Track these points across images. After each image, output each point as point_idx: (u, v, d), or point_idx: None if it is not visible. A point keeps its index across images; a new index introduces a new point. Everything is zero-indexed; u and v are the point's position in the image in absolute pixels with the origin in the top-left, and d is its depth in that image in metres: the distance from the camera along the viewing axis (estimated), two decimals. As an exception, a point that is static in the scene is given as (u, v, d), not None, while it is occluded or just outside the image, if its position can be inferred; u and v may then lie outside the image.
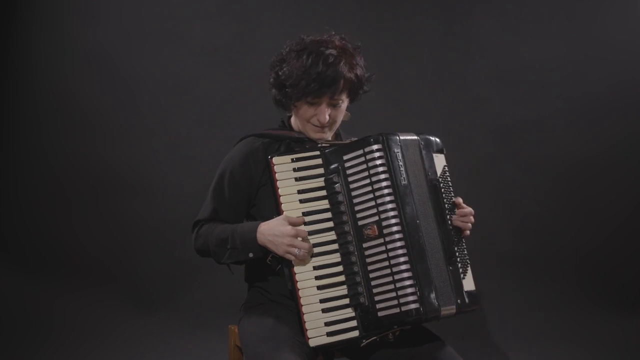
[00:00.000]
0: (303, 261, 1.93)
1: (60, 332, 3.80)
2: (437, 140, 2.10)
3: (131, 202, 4.25)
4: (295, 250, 1.90)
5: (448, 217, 2.03)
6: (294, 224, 1.92)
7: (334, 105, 2.06)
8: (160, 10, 4.29)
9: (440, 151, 2.10)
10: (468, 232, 2.08)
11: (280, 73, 2.06)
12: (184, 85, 4.28)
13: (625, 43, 4.33)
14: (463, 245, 2.07)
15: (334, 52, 2.01)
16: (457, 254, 2.01)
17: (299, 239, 1.91)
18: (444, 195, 2.04)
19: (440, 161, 2.08)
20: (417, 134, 2.04)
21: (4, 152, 4.29)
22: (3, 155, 4.29)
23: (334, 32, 2.11)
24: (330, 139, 2.15)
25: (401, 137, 1.97)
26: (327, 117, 2.05)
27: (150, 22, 4.29)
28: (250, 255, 1.98)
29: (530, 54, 4.33)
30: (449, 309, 1.92)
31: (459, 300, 1.95)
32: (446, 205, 2.04)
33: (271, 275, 2.09)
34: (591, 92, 4.32)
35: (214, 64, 4.28)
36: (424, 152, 2.03)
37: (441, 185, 2.04)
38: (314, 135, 2.10)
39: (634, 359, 3.69)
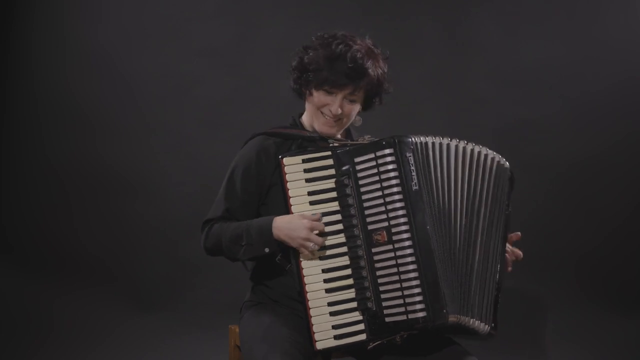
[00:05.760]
0: (314, 256, 1.92)
1: (60, 332, 3.79)
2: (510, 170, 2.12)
3: (131, 202, 4.25)
4: (311, 245, 1.89)
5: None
6: (310, 219, 1.92)
7: (350, 101, 2.07)
8: (160, 10, 4.29)
9: (513, 186, 2.12)
10: (510, 268, 2.14)
11: (305, 58, 2.07)
12: (184, 85, 4.28)
13: (625, 43, 4.33)
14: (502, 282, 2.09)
15: (362, 49, 2.04)
16: (498, 279, 2.04)
17: (315, 232, 1.91)
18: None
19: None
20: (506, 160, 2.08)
21: (4, 152, 4.29)
22: (3, 155, 4.28)
23: (367, 36, 2.13)
24: (339, 136, 2.14)
25: (415, 140, 1.94)
26: (339, 109, 2.05)
27: (150, 22, 4.28)
28: (267, 250, 1.97)
29: (530, 54, 4.33)
30: (455, 317, 1.91)
31: (492, 324, 2.00)
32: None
33: (276, 276, 2.08)
34: (591, 92, 4.32)
35: (214, 64, 4.28)
36: (508, 182, 2.08)
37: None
38: (321, 128, 2.09)
39: (634, 359, 3.69)
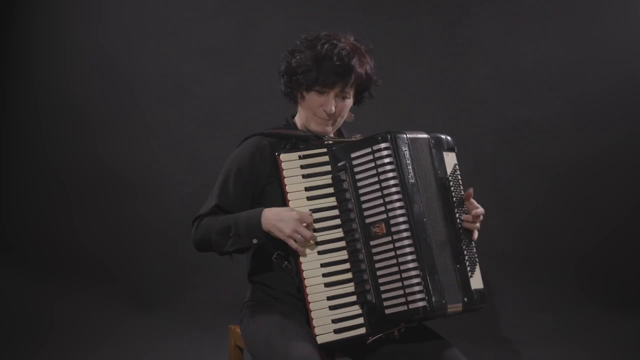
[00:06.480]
0: (304, 250, 1.93)
1: (60, 332, 3.79)
2: (448, 138, 2.11)
3: (131, 202, 4.25)
4: (299, 236, 1.91)
5: (457, 215, 2.04)
6: (299, 212, 1.93)
7: (342, 98, 2.09)
8: (160, 10, 4.29)
9: (451, 149, 2.11)
10: (476, 235, 2.07)
11: (292, 61, 2.09)
12: (184, 85, 4.29)
13: (625, 43, 4.33)
14: (472, 244, 2.07)
15: (347, 46, 2.06)
16: (465, 252, 2.02)
17: (304, 224, 1.92)
18: (453, 194, 2.05)
19: (450, 159, 2.09)
20: (427, 132, 2.05)
21: (4, 152, 4.29)
22: (3, 155, 4.29)
23: (348, 32, 2.15)
24: (332, 135, 2.16)
25: (409, 135, 1.97)
26: (334, 108, 2.07)
27: (150, 22, 4.29)
28: (255, 241, 1.98)
29: (530, 54, 4.33)
30: (455, 307, 1.93)
31: (465, 298, 1.97)
32: (455, 204, 2.04)
33: (274, 273, 2.09)
34: (591, 92, 4.32)
35: (214, 64, 4.28)
36: (433, 150, 2.04)
37: (451, 184, 2.05)
38: (317, 128, 2.11)
39: (634, 359, 3.69)
